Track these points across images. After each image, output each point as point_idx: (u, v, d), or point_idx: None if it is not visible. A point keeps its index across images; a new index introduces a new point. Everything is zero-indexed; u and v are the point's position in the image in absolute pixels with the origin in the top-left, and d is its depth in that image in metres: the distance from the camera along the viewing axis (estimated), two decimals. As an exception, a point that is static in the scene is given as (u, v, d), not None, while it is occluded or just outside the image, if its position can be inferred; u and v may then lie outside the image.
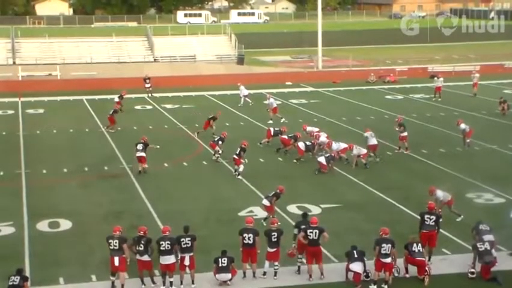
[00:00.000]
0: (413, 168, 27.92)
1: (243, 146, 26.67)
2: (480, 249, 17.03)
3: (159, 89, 48.02)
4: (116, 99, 40.55)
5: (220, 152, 28.57)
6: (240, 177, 26.09)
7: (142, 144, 26.91)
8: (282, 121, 36.03)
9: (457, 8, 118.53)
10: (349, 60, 63.89)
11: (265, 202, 20.92)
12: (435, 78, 45.81)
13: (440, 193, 20.76)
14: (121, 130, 34.68)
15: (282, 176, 26.28)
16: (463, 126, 30.70)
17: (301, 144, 28.77)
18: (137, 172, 26.69)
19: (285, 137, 29.92)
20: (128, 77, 51.93)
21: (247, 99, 42.95)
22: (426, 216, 18.08)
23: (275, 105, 38.10)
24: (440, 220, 18.48)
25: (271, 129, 31.56)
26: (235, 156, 26.41)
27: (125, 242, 16.57)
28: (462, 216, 20.86)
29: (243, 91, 42.94)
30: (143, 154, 26.70)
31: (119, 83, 49.78)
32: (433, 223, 17.96)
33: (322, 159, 26.95)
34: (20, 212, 22.42)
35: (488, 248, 17.06)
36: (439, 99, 44.01)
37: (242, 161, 26.47)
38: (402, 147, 30.11)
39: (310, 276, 17.08)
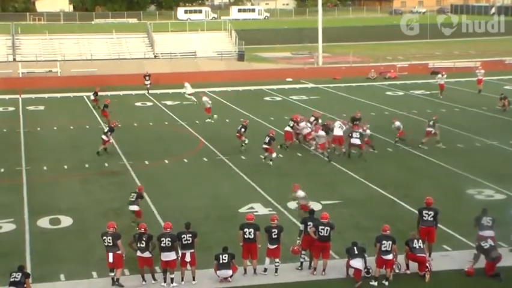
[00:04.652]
0: (414, 164, 27.91)
1: (271, 134, 27.24)
2: (485, 247, 16.99)
3: (159, 85, 48.03)
4: (92, 97, 40.87)
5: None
6: (270, 162, 26.79)
7: None
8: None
9: (458, 4, 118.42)
10: (349, 56, 63.75)
11: (134, 207, 20.20)
12: (439, 75, 44.95)
13: (301, 193, 19.99)
14: (122, 127, 34.64)
15: (282, 173, 26.30)
16: (397, 123, 30.84)
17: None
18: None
19: (288, 128, 29.97)
20: (128, 74, 51.94)
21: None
22: (424, 211, 18.04)
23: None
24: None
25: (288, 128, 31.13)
26: (265, 146, 26.94)
27: (119, 238, 16.58)
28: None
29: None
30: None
31: (120, 80, 49.86)
32: (431, 218, 17.93)
33: (356, 140, 27.46)
34: (21, 208, 22.45)
35: (493, 243, 17.09)
36: (441, 97, 43.85)
37: (274, 149, 27.11)
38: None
39: (315, 269, 17.11)
